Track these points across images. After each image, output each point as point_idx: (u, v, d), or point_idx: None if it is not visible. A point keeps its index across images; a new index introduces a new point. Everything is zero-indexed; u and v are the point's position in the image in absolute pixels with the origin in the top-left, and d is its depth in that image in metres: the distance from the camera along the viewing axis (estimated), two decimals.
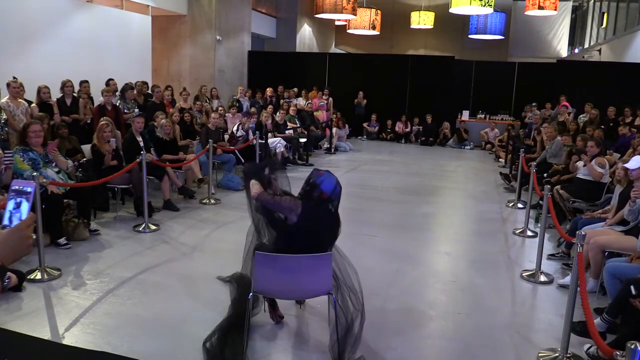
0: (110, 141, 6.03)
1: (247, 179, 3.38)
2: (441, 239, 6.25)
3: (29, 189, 1.34)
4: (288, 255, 3.04)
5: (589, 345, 3.33)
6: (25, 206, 1.32)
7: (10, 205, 1.32)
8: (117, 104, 8.30)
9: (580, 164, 6.28)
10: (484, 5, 11.99)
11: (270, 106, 11.42)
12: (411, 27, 18.39)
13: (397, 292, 4.35)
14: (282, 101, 12.94)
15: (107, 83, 8.78)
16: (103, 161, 5.98)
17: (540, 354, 3.36)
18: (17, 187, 1.34)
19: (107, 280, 4.33)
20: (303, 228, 3.12)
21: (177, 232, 5.78)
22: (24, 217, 1.31)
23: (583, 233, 3.24)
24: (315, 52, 19.39)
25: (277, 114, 10.90)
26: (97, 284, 4.25)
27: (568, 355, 3.27)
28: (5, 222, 1.30)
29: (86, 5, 10.41)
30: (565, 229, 5.29)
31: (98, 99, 8.50)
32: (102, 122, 6.15)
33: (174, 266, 4.78)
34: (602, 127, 9.79)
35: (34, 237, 1.28)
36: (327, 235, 3.22)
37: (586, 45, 20.98)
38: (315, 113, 12.95)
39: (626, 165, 4.60)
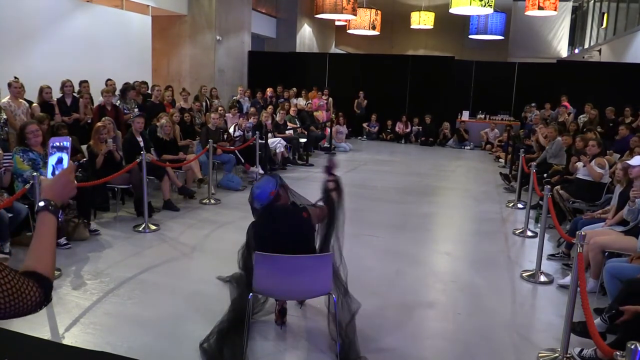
0: (108, 142, 6.02)
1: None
2: (441, 239, 6.25)
3: (67, 144, 1.54)
4: (288, 255, 3.04)
5: (580, 348, 3.32)
6: (65, 158, 1.52)
7: (53, 160, 1.52)
8: (118, 104, 8.30)
9: (580, 164, 6.28)
10: (484, 6, 11.98)
11: (270, 106, 11.42)
12: (411, 27, 18.38)
13: (397, 292, 4.35)
14: (280, 101, 12.94)
15: (106, 83, 8.78)
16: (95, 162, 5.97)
17: (540, 354, 3.36)
18: (57, 144, 1.53)
19: (107, 280, 4.33)
20: (262, 238, 3.19)
21: (177, 232, 5.79)
22: (65, 166, 1.52)
23: (583, 233, 3.24)
24: (315, 52, 19.38)
25: (277, 114, 10.90)
26: (97, 284, 4.26)
27: (568, 355, 3.27)
28: (50, 175, 1.50)
29: (86, 5, 10.41)
30: (565, 229, 5.29)
31: (97, 99, 8.49)
32: (99, 125, 6.15)
33: (174, 266, 4.79)
34: (601, 129, 9.78)
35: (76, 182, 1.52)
36: (295, 226, 3.21)
37: (586, 46, 20.99)
38: (315, 113, 12.95)
39: (629, 161, 4.60)
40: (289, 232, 3.18)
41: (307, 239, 3.25)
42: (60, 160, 1.52)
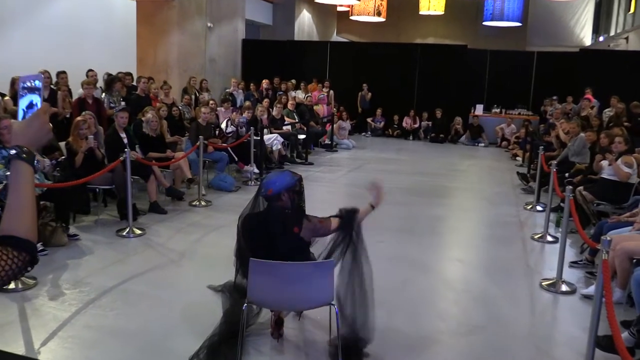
0: (89, 138, 6.01)
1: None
2: (453, 244, 6.24)
3: (38, 83, 1.44)
4: (286, 262, 3.03)
5: None
6: (37, 100, 1.44)
7: (24, 103, 1.43)
8: (102, 98, 8.29)
9: (605, 163, 6.27)
10: None
11: (266, 100, 11.42)
12: (420, 13, 18.35)
13: (404, 302, 4.34)
14: (278, 94, 12.95)
15: (86, 74, 8.76)
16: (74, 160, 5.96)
17: None
18: (28, 84, 1.43)
19: (88, 289, 4.32)
20: (251, 239, 3.23)
21: (165, 237, 5.78)
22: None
23: (608, 238, 3.22)
24: (315, 41, 19.40)
25: (274, 108, 10.91)
26: (77, 294, 4.25)
27: None
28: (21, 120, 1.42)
29: None
30: (589, 233, 5.28)
31: (77, 92, 8.48)
32: (79, 119, 6.14)
33: (161, 274, 4.78)
34: (627, 123, 9.76)
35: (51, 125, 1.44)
36: (283, 230, 3.18)
37: (612, 33, 20.96)
38: (315, 107, 12.96)
39: None
40: (275, 241, 3.16)
41: (296, 251, 3.17)
42: (31, 104, 1.42)
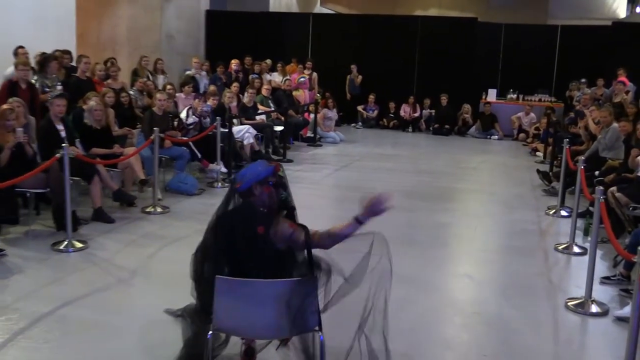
0: (17, 131, 5.94)
1: None
2: (461, 257, 6.28)
3: None
4: (260, 280, 3.02)
5: None
6: None
7: None
8: (34, 81, 8.19)
9: None
10: None
11: (235, 84, 11.39)
12: None
13: (403, 326, 4.34)
14: (250, 77, 12.92)
15: (15, 52, 8.65)
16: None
17: None
18: None
19: (16, 317, 4.27)
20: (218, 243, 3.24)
21: (112, 251, 5.75)
22: None
23: None
24: (294, 13, 19.38)
25: (245, 94, 10.88)
26: (2, 322, 4.20)
27: None
28: None
29: None
30: (623, 243, 5.33)
31: (1, 74, 8.35)
32: (5, 107, 6.06)
33: (108, 297, 4.75)
34: None
35: None
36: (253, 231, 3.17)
37: None
38: (294, 93, 12.95)
39: None
40: (243, 247, 3.17)
41: (266, 259, 3.18)
42: None
